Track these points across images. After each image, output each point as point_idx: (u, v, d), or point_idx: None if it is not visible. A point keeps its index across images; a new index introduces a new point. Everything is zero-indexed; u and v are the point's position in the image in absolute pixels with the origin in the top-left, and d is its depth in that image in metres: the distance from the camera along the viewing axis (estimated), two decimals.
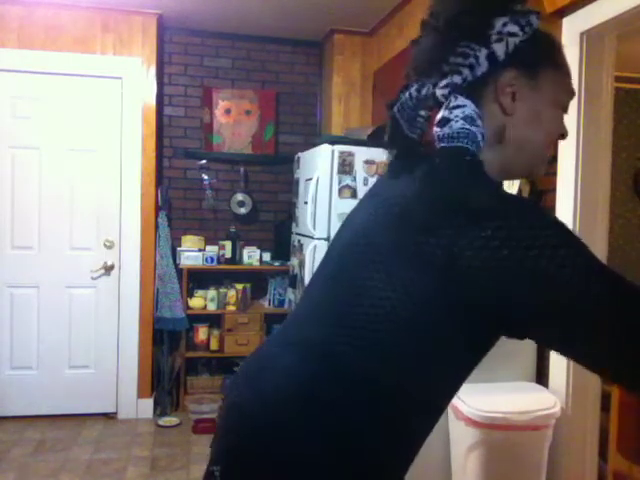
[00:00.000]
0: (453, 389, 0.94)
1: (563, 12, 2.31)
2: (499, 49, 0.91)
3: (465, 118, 0.90)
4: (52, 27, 3.72)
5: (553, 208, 2.39)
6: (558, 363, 2.33)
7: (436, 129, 0.91)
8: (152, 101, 3.90)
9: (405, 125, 0.97)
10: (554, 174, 2.39)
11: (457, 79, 0.91)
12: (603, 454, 2.24)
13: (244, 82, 4.30)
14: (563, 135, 1.01)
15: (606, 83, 2.29)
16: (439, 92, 0.92)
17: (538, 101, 0.96)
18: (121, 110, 3.85)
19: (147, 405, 3.92)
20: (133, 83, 3.84)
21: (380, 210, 0.95)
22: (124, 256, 3.87)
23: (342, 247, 1.00)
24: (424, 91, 0.94)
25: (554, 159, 2.39)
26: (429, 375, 0.89)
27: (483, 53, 0.91)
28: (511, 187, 2.55)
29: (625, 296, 0.80)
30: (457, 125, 0.90)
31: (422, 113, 0.95)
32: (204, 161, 4.19)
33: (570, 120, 2.29)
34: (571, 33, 2.29)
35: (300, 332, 0.98)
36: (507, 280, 0.80)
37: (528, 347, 2.43)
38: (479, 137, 0.90)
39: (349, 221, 1.04)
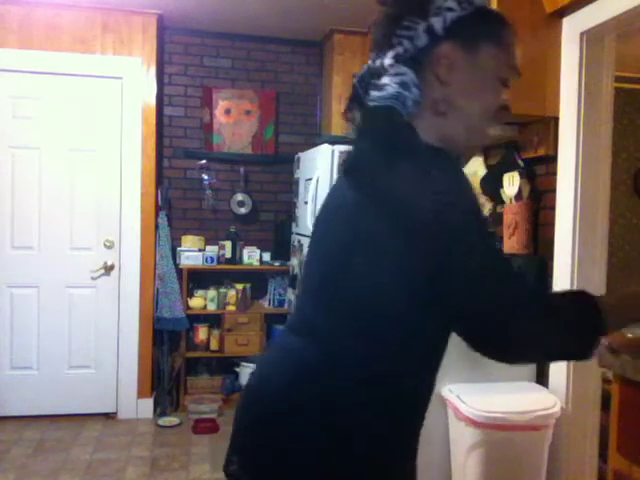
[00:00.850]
0: (436, 363, 1.04)
1: (563, 12, 2.31)
2: (437, 23, 0.99)
3: (401, 84, 0.99)
4: (52, 27, 3.72)
5: (553, 208, 2.40)
6: (558, 363, 2.33)
7: (374, 93, 1.01)
8: (152, 101, 3.90)
9: (362, 93, 1.05)
10: (554, 174, 2.39)
11: (400, 50, 1.00)
12: (603, 454, 2.24)
13: (244, 82, 4.30)
14: (505, 107, 1.06)
15: (606, 83, 2.29)
16: (386, 62, 1.01)
17: (476, 74, 1.01)
18: (121, 110, 3.85)
19: (147, 405, 3.92)
20: (133, 83, 3.84)
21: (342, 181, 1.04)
22: (124, 256, 3.87)
23: (325, 226, 1.08)
24: (377, 62, 1.03)
25: (554, 159, 2.39)
26: (414, 356, 0.97)
27: (422, 26, 0.99)
28: (511, 187, 2.55)
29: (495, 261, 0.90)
30: (392, 89, 0.99)
31: (373, 82, 1.03)
32: (204, 161, 4.19)
33: (570, 120, 2.29)
34: (571, 33, 2.29)
35: (301, 318, 1.05)
36: (422, 237, 0.88)
37: None
38: (409, 102, 0.99)
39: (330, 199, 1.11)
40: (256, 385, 1.03)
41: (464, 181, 0.91)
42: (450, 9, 0.99)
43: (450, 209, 0.87)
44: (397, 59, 1.00)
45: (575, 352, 0.94)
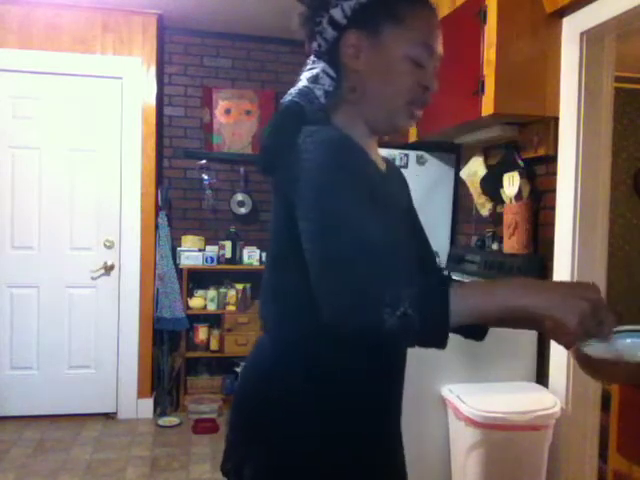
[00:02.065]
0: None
1: (563, 12, 2.31)
2: (336, 13, 1.02)
3: (310, 78, 1.05)
4: (52, 27, 3.72)
5: (553, 208, 2.40)
6: (558, 363, 2.33)
7: (290, 90, 1.06)
8: (152, 101, 3.90)
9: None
10: (554, 174, 2.39)
11: (315, 45, 1.06)
12: (603, 454, 2.24)
13: (244, 82, 4.30)
14: (428, 88, 1.04)
15: (606, 83, 2.29)
16: (309, 59, 1.09)
17: (383, 57, 1.01)
18: (121, 110, 3.85)
19: (147, 405, 3.92)
20: (133, 83, 3.84)
21: None
22: (124, 256, 3.87)
23: None
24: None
25: (554, 159, 2.39)
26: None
27: (325, 19, 1.03)
28: (511, 187, 2.55)
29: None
30: (300, 85, 1.05)
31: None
32: (204, 161, 4.19)
33: (570, 120, 2.29)
34: (571, 33, 2.29)
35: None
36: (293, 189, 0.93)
37: (528, 347, 2.43)
38: (318, 93, 1.04)
39: None
40: (241, 371, 1.13)
41: (343, 153, 0.93)
42: None
43: (318, 174, 0.91)
44: (316, 55, 1.07)
45: (420, 335, 0.85)
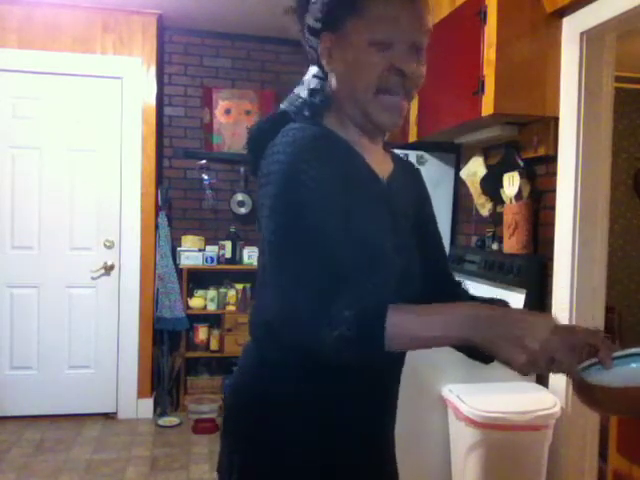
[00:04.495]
0: None
1: (563, 12, 2.31)
2: (310, 20, 1.04)
3: (299, 83, 1.09)
4: (52, 27, 3.72)
5: (553, 208, 2.40)
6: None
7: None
8: (152, 101, 3.90)
9: None
10: (554, 174, 2.39)
11: (309, 55, 1.09)
12: (603, 454, 2.24)
13: (244, 82, 4.30)
14: (400, 71, 0.97)
15: (606, 83, 2.29)
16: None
17: (350, 51, 0.99)
18: (121, 110, 3.85)
19: (147, 405, 3.92)
20: (133, 83, 3.84)
21: None
22: (124, 256, 3.87)
23: None
24: None
25: (554, 159, 2.39)
26: None
27: (305, 27, 1.05)
28: (511, 187, 2.55)
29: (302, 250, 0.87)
30: (291, 93, 1.08)
31: None
32: (204, 161, 4.19)
33: (570, 120, 2.29)
34: (571, 33, 2.29)
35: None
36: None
37: None
38: (303, 95, 1.06)
39: None
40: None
41: (312, 154, 0.91)
42: (314, 2, 1.03)
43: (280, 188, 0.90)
44: (311, 64, 1.10)
45: (356, 357, 0.86)
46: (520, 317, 0.82)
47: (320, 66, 1.07)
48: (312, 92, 1.06)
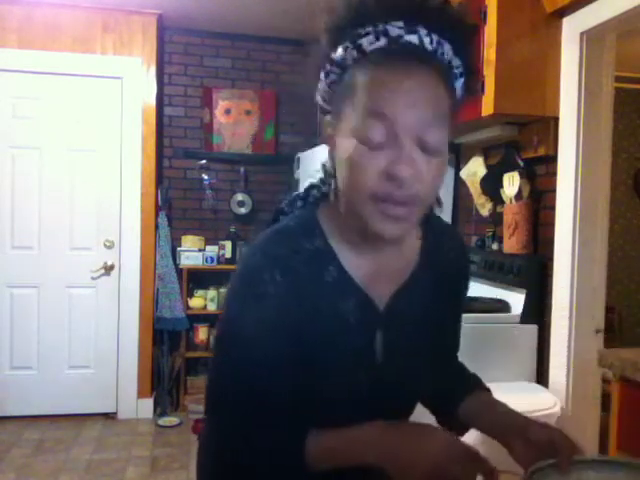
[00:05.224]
0: None
1: (563, 12, 2.31)
2: (319, 99, 0.91)
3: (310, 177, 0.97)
4: (52, 27, 3.72)
5: (553, 208, 2.40)
6: (558, 363, 2.33)
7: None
8: (152, 101, 3.90)
9: None
10: (554, 174, 2.39)
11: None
12: (603, 454, 2.24)
13: (244, 82, 4.30)
14: (392, 176, 0.77)
15: (606, 83, 2.29)
16: None
17: (342, 143, 0.83)
18: (121, 110, 3.85)
19: (147, 405, 3.92)
20: (133, 83, 3.84)
21: None
22: (124, 256, 3.87)
23: None
24: None
25: (554, 159, 2.39)
26: None
27: (318, 106, 0.93)
28: (511, 187, 2.55)
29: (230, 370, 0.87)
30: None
31: None
32: (204, 161, 4.19)
33: (570, 120, 2.29)
34: (571, 33, 2.29)
35: None
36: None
37: (528, 347, 2.43)
38: (302, 194, 0.96)
39: None
40: None
41: (253, 282, 0.85)
42: (320, 81, 0.89)
43: (231, 304, 0.89)
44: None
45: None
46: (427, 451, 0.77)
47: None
48: (311, 187, 0.95)
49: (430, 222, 0.96)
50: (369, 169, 0.78)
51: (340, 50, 0.82)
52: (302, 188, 0.98)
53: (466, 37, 0.85)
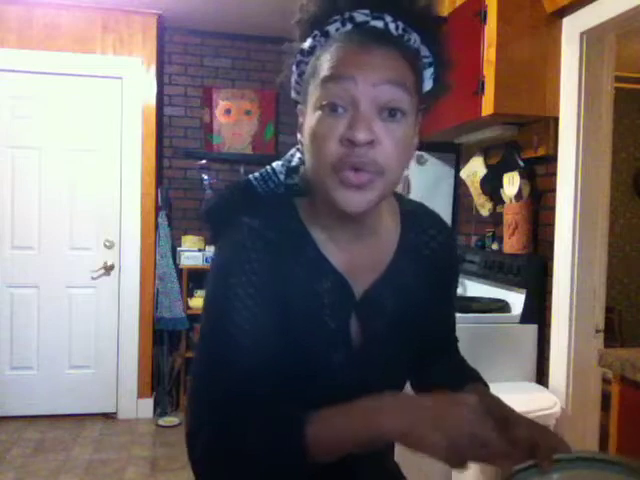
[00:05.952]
0: None
1: (563, 12, 2.31)
2: (293, 94, 0.92)
3: (286, 157, 0.95)
4: (52, 27, 3.72)
5: (553, 208, 2.40)
6: (558, 363, 2.33)
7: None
8: (152, 101, 3.90)
9: None
10: (554, 174, 2.40)
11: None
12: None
13: (244, 82, 4.30)
14: (350, 140, 0.77)
15: (606, 83, 2.29)
16: None
17: (306, 120, 0.84)
18: (121, 110, 3.85)
19: (147, 405, 3.92)
20: (133, 83, 3.84)
21: None
22: (124, 256, 3.87)
23: None
24: None
25: (554, 159, 2.39)
26: None
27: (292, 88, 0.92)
28: (511, 187, 2.55)
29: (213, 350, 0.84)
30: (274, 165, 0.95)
31: None
32: (204, 161, 4.19)
33: (570, 120, 2.29)
34: (571, 33, 2.29)
35: None
36: None
37: (528, 347, 2.43)
38: (279, 169, 0.93)
39: None
40: None
41: (235, 252, 0.85)
42: (292, 72, 0.90)
43: (210, 286, 0.87)
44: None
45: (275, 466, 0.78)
46: (431, 405, 0.74)
47: None
48: (289, 170, 0.93)
49: (410, 210, 0.97)
50: (329, 136, 0.78)
51: (309, 40, 0.85)
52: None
53: (434, 27, 0.87)
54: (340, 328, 0.89)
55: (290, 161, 0.93)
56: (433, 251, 0.98)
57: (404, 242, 0.95)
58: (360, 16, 0.82)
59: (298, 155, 0.93)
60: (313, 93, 0.82)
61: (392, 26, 0.82)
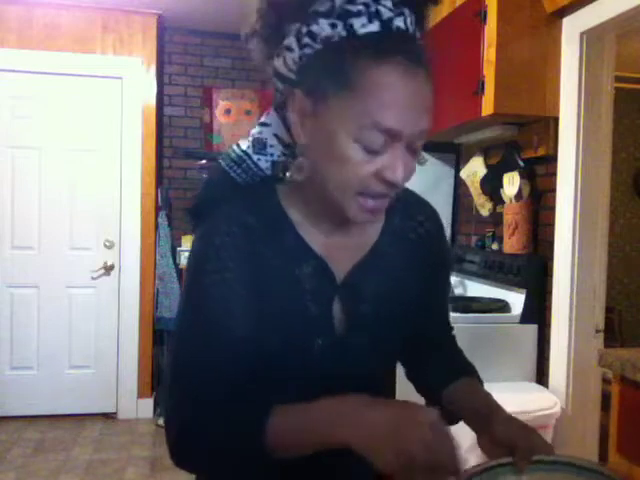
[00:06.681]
0: None
1: (563, 12, 2.31)
2: (279, 66, 0.82)
3: (256, 141, 0.88)
4: (52, 27, 3.72)
5: (553, 208, 2.40)
6: (558, 363, 2.33)
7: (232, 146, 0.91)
8: (152, 101, 3.90)
9: None
10: (554, 174, 2.39)
11: (274, 94, 0.88)
12: (603, 454, 2.24)
13: (244, 82, 4.30)
14: (391, 184, 0.78)
15: (606, 83, 2.29)
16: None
17: (329, 135, 0.78)
18: (121, 110, 3.85)
19: (147, 405, 3.92)
20: (133, 83, 3.84)
21: None
22: (124, 256, 3.87)
23: None
24: None
25: (554, 159, 2.39)
26: None
27: (270, 70, 0.85)
28: (511, 187, 2.55)
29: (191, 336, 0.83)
30: (233, 147, 0.89)
31: None
32: (204, 161, 4.19)
33: (570, 120, 2.29)
34: (571, 33, 2.29)
35: None
36: None
37: (528, 347, 2.43)
38: (263, 166, 0.88)
39: None
40: None
41: (213, 242, 0.83)
42: (289, 48, 0.80)
43: (189, 270, 0.86)
44: (273, 104, 0.89)
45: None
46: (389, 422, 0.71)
47: (284, 115, 0.86)
48: (274, 165, 0.88)
49: (399, 197, 0.93)
50: (362, 171, 0.77)
51: (326, 26, 0.77)
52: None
53: (426, 10, 0.84)
54: (322, 313, 0.87)
55: (264, 145, 0.88)
56: (420, 236, 0.97)
57: (388, 226, 0.94)
58: (386, 12, 0.76)
59: (279, 148, 0.88)
60: (339, 111, 0.77)
61: (409, 21, 0.79)
